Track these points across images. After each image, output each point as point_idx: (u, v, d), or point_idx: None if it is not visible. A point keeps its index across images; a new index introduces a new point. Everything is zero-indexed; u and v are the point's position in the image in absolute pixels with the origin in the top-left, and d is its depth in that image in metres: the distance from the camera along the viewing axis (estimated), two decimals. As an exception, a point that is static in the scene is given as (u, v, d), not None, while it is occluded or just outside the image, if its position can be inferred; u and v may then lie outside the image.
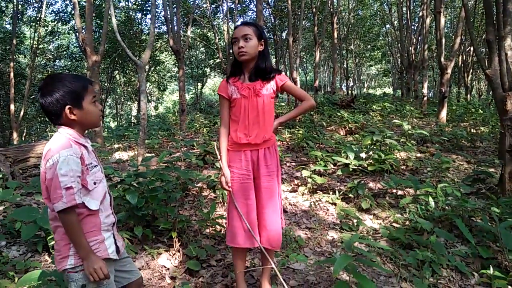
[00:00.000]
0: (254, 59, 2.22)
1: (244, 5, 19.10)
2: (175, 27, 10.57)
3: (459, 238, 3.35)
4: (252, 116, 2.21)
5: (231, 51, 2.48)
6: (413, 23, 19.92)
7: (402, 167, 5.63)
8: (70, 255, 1.53)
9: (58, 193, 1.44)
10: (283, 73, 2.31)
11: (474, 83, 24.21)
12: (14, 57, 15.99)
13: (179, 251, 3.06)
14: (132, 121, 23.65)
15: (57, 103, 1.52)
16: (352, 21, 24.39)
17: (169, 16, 10.38)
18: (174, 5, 11.03)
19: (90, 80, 1.64)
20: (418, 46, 18.03)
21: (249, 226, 2.20)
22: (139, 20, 20.12)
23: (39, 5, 17.23)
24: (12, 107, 14.69)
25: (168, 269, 2.86)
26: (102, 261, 1.54)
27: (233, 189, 2.28)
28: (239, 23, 2.26)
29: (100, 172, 1.64)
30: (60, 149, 1.48)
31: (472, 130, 8.43)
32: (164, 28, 17.54)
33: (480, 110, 12.60)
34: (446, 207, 3.73)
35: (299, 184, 4.95)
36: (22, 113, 15.79)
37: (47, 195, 1.50)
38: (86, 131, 1.67)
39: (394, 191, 4.52)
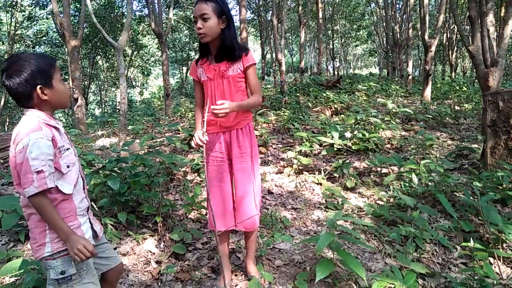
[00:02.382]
0: (218, 39, 2.10)
1: (227, -14, 18.74)
2: (157, 9, 10.34)
3: (442, 213, 3.41)
4: (218, 99, 2.11)
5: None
6: (398, 1, 19.83)
7: (386, 146, 5.66)
8: (46, 242, 1.49)
9: (29, 178, 1.39)
10: (251, 53, 2.19)
11: (458, 60, 24.35)
12: (-9, 44, 15.53)
13: (164, 236, 3.05)
14: (117, 107, 23.29)
15: (27, 84, 1.45)
16: (337, 0, 24.17)
17: (149, -2, 10.14)
18: (155, -13, 10.78)
19: (54, 58, 1.58)
20: (403, 25, 17.99)
21: (217, 209, 2.21)
22: (120, 3, 19.59)
23: (15, -10, 16.69)
24: (-9, 96, 14.35)
25: (154, 253, 2.85)
26: (84, 238, 1.50)
27: (208, 172, 2.25)
28: (197, 2, 2.07)
29: (73, 155, 1.59)
30: (29, 132, 1.42)
31: (456, 107, 8.52)
32: (146, 11, 17.18)
33: (464, 87, 12.72)
34: (429, 183, 3.78)
35: (285, 165, 4.96)
36: (2, 102, 15.42)
37: (18, 181, 1.45)
38: (55, 112, 1.61)
39: (379, 169, 4.55)
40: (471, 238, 2.60)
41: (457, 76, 21.40)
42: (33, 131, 1.43)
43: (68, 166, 1.53)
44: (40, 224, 1.50)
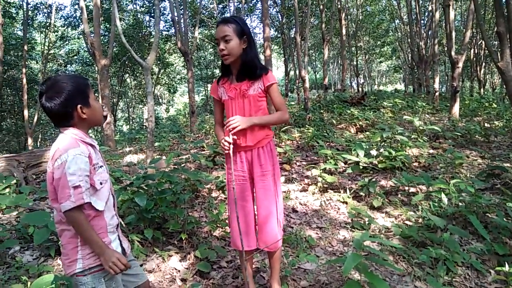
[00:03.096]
0: (239, 58, 2.13)
1: (251, 4, 19.07)
2: (183, 29, 10.61)
3: (474, 235, 3.29)
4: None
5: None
6: (423, 17, 19.67)
7: (414, 164, 5.55)
8: (78, 258, 1.53)
9: (66, 193, 1.44)
10: (271, 72, 2.21)
11: (487, 76, 23.82)
12: (26, 63, 16.24)
13: (189, 253, 3.06)
14: (144, 124, 23.82)
15: (68, 104, 1.52)
16: (360, 17, 24.15)
17: (176, 18, 10.43)
18: (181, 7, 11.08)
19: (87, 79, 1.67)
20: (428, 41, 17.78)
21: (242, 229, 2.19)
22: (147, 23, 20.23)
23: (49, 11, 17.53)
24: (25, 112, 14.91)
25: (179, 271, 2.86)
26: (117, 252, 1.54)
27: (230, 192, 2.26)
28: (218, 24, 2.12)
29: (106, 173, 1.65)
30: (68, 148, 1.48)
31: (486, 125, 8.27)
32: (172, 30, 17.66)
33: (494, 104, 12.36)
34: (460, 204, 3.66)
35: (309, 183, 4.92)
36: (36, 118, 16.01)
37: (54, 196, 1.50)
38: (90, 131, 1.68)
39: (406, 188, 4.45)
40: (505, 262, 2.50)
41: (486, 93, 20.89)
42: (72, 147, 1.49)
43: (101, 183, 1.58)
44: (73, 241, 1.53)
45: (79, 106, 1.54)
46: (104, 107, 8.52)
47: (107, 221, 1.60)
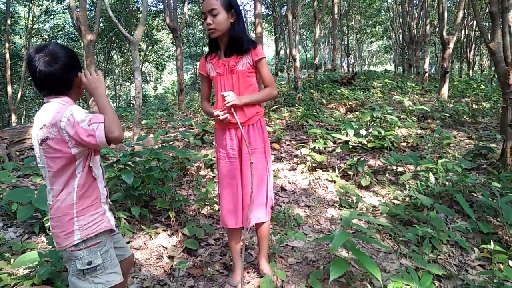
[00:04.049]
0: (227, 33, 2.08)
1: (242, -19, 18.66)
2: (172, 4, 10.34)
3: (460, 214, 3.33)
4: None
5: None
6: (415, -3, 19.49)
7: (402, 144, 5.57)
8: (75, 229, 1.50)
9: (89, 131, 1.42)
10: (260, 46, 2.16)
11: (476, 58, 23.89)
12: (9, 37, 15.72)
13: (177, 231, 3.04)
14: (131, 102, 23.49)
15: (69, 70, 1.51)
16: (352, -4, 23.87)
17: (165, -7, 10.14)
18: (170, -18, 10.76)
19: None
20: (420, 21, 17.67)
21: (229, 206, 2.22)
22: (135, -2, 19.68)
23: (33, -16, 16.88)
24: (9, 88, 14.54)
25: (166, 248, 2.85)
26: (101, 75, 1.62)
27: (219, 169, 2.25)
28: None
29: None
30: (68, 106, 1.47)
31: (474, 106, 8.33)
32: (161, 6, 17.23)
33: (482, 85, 12.43)
34: (447, 183, 3.70)
35: (298, 162, 4.91)
36: (19, 95, 15.64)
37: (50, 165, 1.47)
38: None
39: (394, 167, 4.48)
40: (490, 240, 2.54)
41: (474, 74, 21.00)
42: (71, 105, 1.50)
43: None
44: (69, 212, 1.49)
45: (80, 73, 1.55)
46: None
47: (100, 190, 1.60)
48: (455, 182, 3.61)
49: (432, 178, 3.64)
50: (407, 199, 3.61)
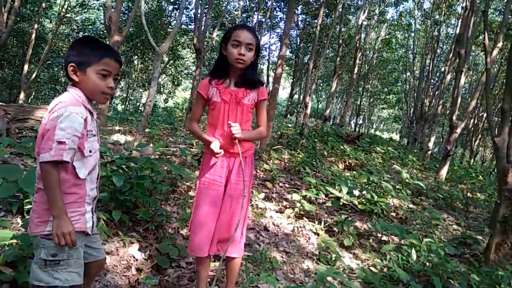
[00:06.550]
0: (245, 67, 2.18)
1: (274, 21, 19.28)
2: (202, 27, 10.65)
3: (434, 297, 3.28)
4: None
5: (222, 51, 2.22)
6: (433, 77, 20.06)
7: (392, 214, 5.57)
8: (50, 220, 1.49)
9: (49, 144, 1.41)
10: (265, 87, 2.29)
11: (480, 148, 24.26)
12: (40, 19, 16.07)
13: (151, 245, 3.00)
14: (140, 108, 23.65)
15: (67, 58, 1.55)
16: (374, 61, 24.57)
17: (198, 15, 10.48)
18: (206, 6, 11.15)
19: (114, 56, 1.60)
20: (433, 100, 18.10)
21: (207, 234, 2.19)
22: (169, 13, 20.28)
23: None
24: (25, 67, 14.72)
25: (137, 260, 2.80)
26: (72, 226, 1.48)
27: (200, 196, 2.23)
28: (242, 28, 2.15)
29: (97, 143, 1.64)
30: (68, 104, 1.48)
31: (468, 194, 8.37)
32: (191, 26, 17.71)
33: (480, 176, 12.55)
34: (427, 263, 3.67)
35: (287, 206, 4.90)
36: (34, 75, 15.80)
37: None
38: (91, 101, 1.64)
39: (379, 235, 4.46)
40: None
41: (475, 164, 21.22)
42: (72, 105, 1.49)
43: (90, 151, 1.57)
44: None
45: (70, 64, 1.53)
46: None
47: (87, 190, 1.58)
48: (435, 265, 3.58)
49: (414, 254, 3.62)
50: (385, 269, 3.57)
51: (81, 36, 1.62)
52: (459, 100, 10.11)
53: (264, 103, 2.28)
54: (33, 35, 14.95)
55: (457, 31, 12.68)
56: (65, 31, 20.76)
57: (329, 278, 2.89)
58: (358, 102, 27.32)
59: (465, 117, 9.82)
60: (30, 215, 1.54)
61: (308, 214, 4.74)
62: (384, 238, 4.41)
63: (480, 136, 20.65)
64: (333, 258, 3.57)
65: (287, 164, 7.39)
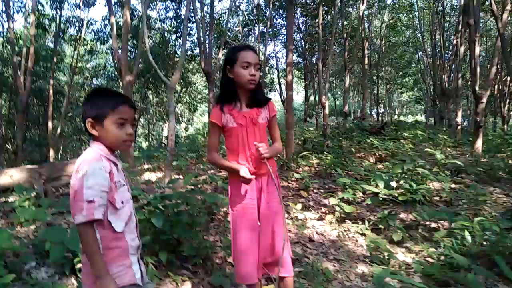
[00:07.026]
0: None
1: (276, 29, 19.36)
2: (207, 50, 10.79)
3: (500, 277, 3.13)
4: (253, 146, 2.14)
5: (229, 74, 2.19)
6: (447, 51, 19.56)
7: (435, 198, 5.39)
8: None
9: (80, 205, 1.42)
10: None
11: (511, 113, 23.36)
12: (54, 74, 16.68)
13: (203, 279, 3.00)
14: (163, 141, 24.06)
15: (83, 114, 1.57)
16: (383, 47, 24.22)
17: (202, 39, 10.64)
18: (208, 28, 11.31)
19: (127, 102, 1.60)
20: (452, 74, 17.63)
21: (253, 260, 2.16)
22: (174, 42, 20.68)
23: (80, 25, 18.08)
24: (50, 124, 15.26)
25: (191, 296, 2.80)
26: (115, 285, 1.46)
27: (237, 224, 2.19)
28: (247, 49, 2.16)
29: (128, 192, 1.63)
30: (90, 161, 1.48)
31: (510, 161, 8.04)
32: (197, 50, 17.99)
33: (518, 140, 12.05)
34: (484, 243, 3.52)
35: (327, 212, 4.83)
36: (59, 130, 16.34)
37: None
38: (115, 151, 1.65)
39: (427, 223, 4.32)
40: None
41: (509, 129, 20.43)
42: (94, 161, 1.49)
43: (122, 202, 1.56)
44: None
45: (88, 119, 1.55)
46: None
47: (128, 242, 1.57)
48: (494, 243, 3.43)
49: (468, 237, 3.48)
50: (442, 257, 3.43)
51: (93, 87, 1.61)
52: (478, 69, 9.79)
53: (276, 118, 2.30)
54: (51, 91, 15.50)
55: (462, 1, 12.37)
56: (79, 81, 21.46)
57: (387, 279, 2.80)
58: (376, 91, 26.90)
59: (488, 85, 9.46)
60: (81, 277, 1.55)
61: (349, 216, 4.65)
62: (433, 225, 4.27)
63: (508, 100, 19.89)
64: (386, 257, 3.48)
65: (317, 169, 7.32)
